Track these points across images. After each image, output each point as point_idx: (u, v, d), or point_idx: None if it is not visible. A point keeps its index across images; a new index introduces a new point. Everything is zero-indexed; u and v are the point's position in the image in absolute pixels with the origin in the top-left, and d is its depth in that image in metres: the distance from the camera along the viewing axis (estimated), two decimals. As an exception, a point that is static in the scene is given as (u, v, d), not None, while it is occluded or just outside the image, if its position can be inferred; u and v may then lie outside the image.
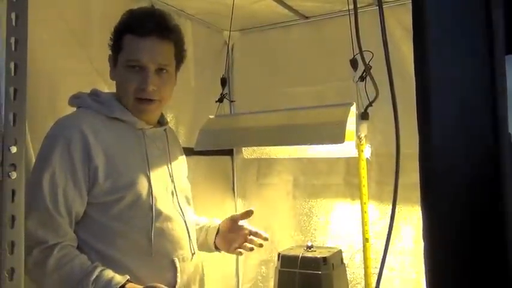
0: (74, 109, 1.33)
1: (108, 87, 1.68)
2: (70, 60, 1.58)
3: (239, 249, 1.51)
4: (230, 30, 2.13)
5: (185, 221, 1.33)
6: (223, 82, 1.73)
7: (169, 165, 1.36)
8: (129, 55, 1.26)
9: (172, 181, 1.35)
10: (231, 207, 2.41)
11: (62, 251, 1.15)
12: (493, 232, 0.56)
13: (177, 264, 1.26)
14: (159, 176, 1.30)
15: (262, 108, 2.02)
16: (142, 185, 1.24)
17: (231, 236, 1.51)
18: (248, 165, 2.37)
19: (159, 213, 1.25)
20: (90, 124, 1.22)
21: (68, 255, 1.15)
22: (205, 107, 1.92)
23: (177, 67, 1.37)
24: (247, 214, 1.50)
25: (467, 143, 0.56)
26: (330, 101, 2.08)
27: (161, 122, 1.42)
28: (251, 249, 1.50)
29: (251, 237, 1.50)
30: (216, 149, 1.62)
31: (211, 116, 1.69)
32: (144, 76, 1.25)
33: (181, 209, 1.34)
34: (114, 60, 1.31)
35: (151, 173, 1.26)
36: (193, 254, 1.33)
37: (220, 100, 1.69)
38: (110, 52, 1.33)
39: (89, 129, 1.20)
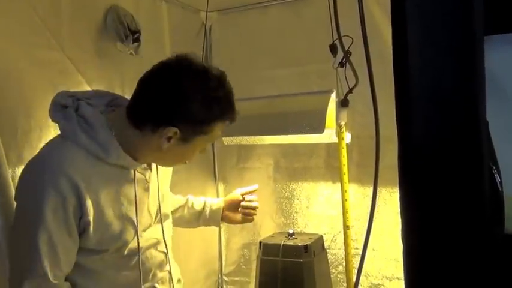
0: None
1: (81, 75, 1.64)
2: (40, 49, 1.51)
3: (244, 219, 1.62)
4: (207, 11, 2.07)
5: (166, 246, 1.33)
6: (201, 68, 1.68)
7: (157, 196, 1.31)
8: (213, 139, 1.25)
9: (159, 209, 1.31)
10: (213, 191, 2.40)
11: None
12: (471, 215, 0.56)
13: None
14: (145, 213, 1.26)
15: (242, 92, 1.98)
16: (129, 232, 1.20)
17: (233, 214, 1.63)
18: (229, 150, 2.34)
19: (144, 250, 1.25)
20: (80, 171, 1.09)
21: None
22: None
23: None
24: (251, 192, 1.61)
25: (446, 125, 0.56)
26: (311, 84, 2.06)
27: None
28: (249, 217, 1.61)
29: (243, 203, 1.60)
30: (195, 138, 1.59)
31: (189, 104, 1.65)
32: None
33: (163, 235, 1.32)
34: (187, 137, 1.15)
35: (138, 215, 1.21)
36: (170, 274, 1.34)
37: (198, 87, 1.64)
38: (180, 125, 1.13)
39: (80, 179, 1.08)
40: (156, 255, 1.29)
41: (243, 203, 1.60)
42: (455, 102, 0.56)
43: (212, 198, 1.67)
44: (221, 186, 2.42)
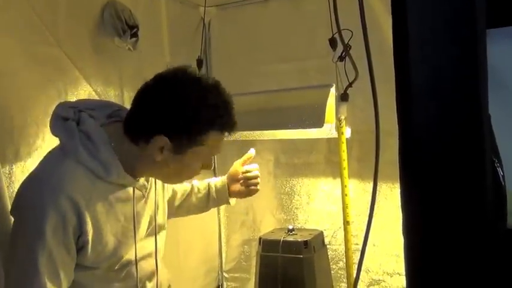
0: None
1: (78, 71, 1.62)
2: (37, 45, 1.50)
3: (248, 190, 1.53)
4: (205, 6, 2.05)
5: (156, 258, 1.31)
6: (199, 63, 1.67)
7: (154, 208, 1.29)
8: (213, 153, 1.18)
9: (155, 222, 1.29)
10: (212, 187, 2.39)
11: None
12: (473, 209, 0.55)
13: None
14: (141, 227, 1.24)
15: (242, 87, 1.97)
16: (124, 249, 1.18)
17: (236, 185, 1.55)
18: (229, 145, 2.32)
19: (136, 262, 1.23)
20: (81, 189, 1.07)
21: None
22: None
23: None
24: (249, 159, 1.52)
25: (447, 118, 0.55)
26: (310, 79, 2.05)
27: None
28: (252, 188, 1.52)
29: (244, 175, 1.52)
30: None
31: (187, 99, 1.63)
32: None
33: (156, 247, 1.30)
34: (178, 147, 1.11)
35: (136, 231, 1.20)
36: (158, 286, 1.32)
37: (197, 82, 1.63)
38: (171, 134, 1.09)
39: (81, 198, 1.06)
40: (146, 266, 1.27)
41: (241, 176, 1.53)
42: (456, 95, 0.55)
43: (215, 178, 1.61)
44: (221, 182, 2.40)
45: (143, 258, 1.26)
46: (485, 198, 0.56)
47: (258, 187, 1.52)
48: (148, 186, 1.26)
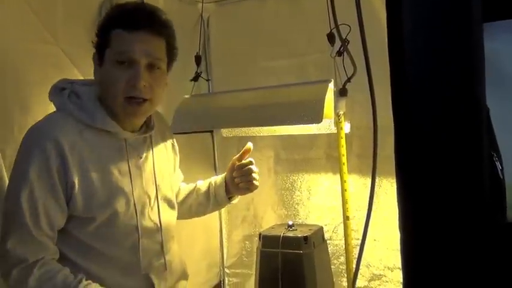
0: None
1: (76, 68, 1.62)
2: (35, 43, 1.51)
3: (246, 184, 1.51)
4: (203, 2, 2.05)
5: (162, 234, 1.31)
6: (198, 60, 1.67)
7: (153, 173, 1.31)
8: (118, 48, 1.18)
9: (156, 191, 1.31)
10: (213, 183, 2.39)
11: (43, 267, 1.12)
12: (472, 203, 0.55)
13: (154, 280, 1.28)
14: (140, 189, 1.27)
15: (241, 84, 1.96)
16: (119, 202, 1.21)
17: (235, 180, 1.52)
18: (229, 142, 2.33)
19: (139, 229, 1.25)
20: (67, 135, 1.16)
21: (49, 272, 1.13)
22: (180, 86, 1.86)
23: (169, 66, 1.28)
24: (246, 152, 1.50)
25: (443, 113, 0.55)
26: (310, 75, 2.04)
27: (148, 124, 1.34)
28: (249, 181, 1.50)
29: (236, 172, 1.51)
30: (193, 131, 1.58)
31: (186, 96, 1.63)
32: (134, 71, 1.17)
33: (160, 222, 1.31)
34: (99, 58, 1.23)
35: (133, 188, 1.23)
36: (167, 266, 1.33)
37: (195, 79, 1.63)
38: (94, 50, 1.25)
39: (65, 141, 1.14)
40: (153, 243, 1.28)
41: (235, 172, 1.51)
42: (452, 89, 0.55)
43: (216, 176, 1.61)
44: (221, 179, 2.40)
45: (149, 232, 1.27)
46: (483, 193, 0.56)
47: (256, 182, 1.49)
48: (145, 151, 1.30)
